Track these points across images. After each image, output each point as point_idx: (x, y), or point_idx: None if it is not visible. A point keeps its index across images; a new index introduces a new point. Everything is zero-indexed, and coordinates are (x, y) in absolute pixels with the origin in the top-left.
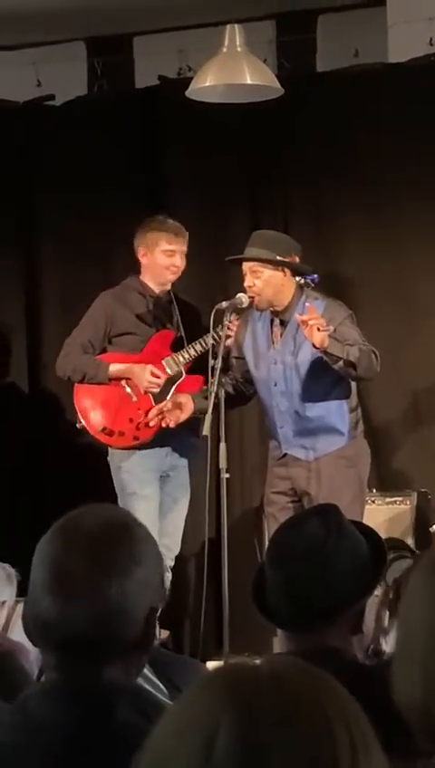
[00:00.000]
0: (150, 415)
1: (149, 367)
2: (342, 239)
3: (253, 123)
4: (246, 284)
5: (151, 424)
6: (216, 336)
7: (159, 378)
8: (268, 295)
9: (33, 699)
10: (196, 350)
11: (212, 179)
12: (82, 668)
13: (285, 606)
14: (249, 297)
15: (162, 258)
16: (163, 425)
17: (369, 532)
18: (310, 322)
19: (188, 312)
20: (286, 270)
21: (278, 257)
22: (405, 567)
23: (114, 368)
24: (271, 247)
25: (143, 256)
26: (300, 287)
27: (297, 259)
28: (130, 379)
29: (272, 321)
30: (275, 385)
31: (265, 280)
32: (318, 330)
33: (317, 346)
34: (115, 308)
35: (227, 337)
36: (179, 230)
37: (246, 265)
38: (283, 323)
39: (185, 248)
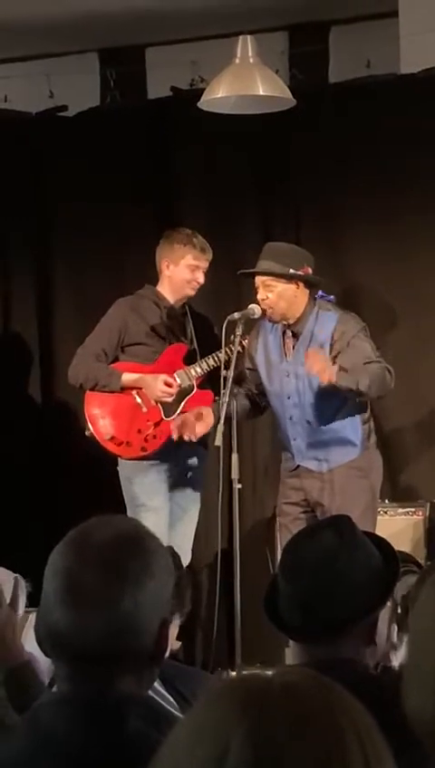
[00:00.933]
0: (172, 426)
1: (163, 376)
2: (353, 251)
3: (265, 135)
4: (259, 297)
5: (174, 437)
6: (228, 350)
7: (171, 387)
8: (282, 308)
9: (45, 710)
10: (208, 365)
11: (224, 191)
12: (94, 680)
13: (297, 617)
14: (262, 309)
15: (186, 273)
16: (186, 438)
17: (382, 544)
18: (314, 371)
19: (203, 326)
20: (299, 283)
21: (291, 270)
22: (412, 582)
23: (127, 377)
24: (283, 260)
25: (167, 267)
26: (314, 298)
27: (310, 270)
28: (141, 389)
29: (284, 332)
30: (289, 398)
31: (277, 293)
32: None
33: (326, 383)
34: (130, 317)
35: (241, 348)
36: (206, 247)
37: (258, 279)
38: (295, 335)
39: (207, 265)
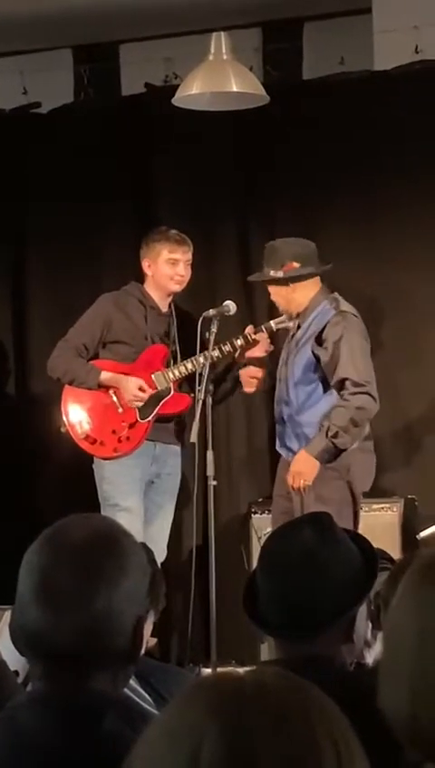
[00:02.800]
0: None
1: (138, 380)
2: (329, 248)
3: (239, 131)
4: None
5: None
6: (207, 354)
7: (144, 393)
8: (285, 307)
9: (20, 709)
10: (187, 369)
11: (199, 187)
12: (69, 679)
13: (277, 615)
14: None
15: (166, 268)
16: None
17: (360, 540)
18: (294, 487)
19: (187, 327)
20: (289, 282)
21: (272, 272)
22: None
23: (105, 375)
24: (268, 263)
25: (148, 267)
26: (323, 289)
27: (296, 264)
28: (118, 389)
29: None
30: (279, 381)
31: (274, 294)
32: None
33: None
34: (114, 314)
35: (246, 348)
36: (182, 239)
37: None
38: (298, 327)
39: (189, 257)
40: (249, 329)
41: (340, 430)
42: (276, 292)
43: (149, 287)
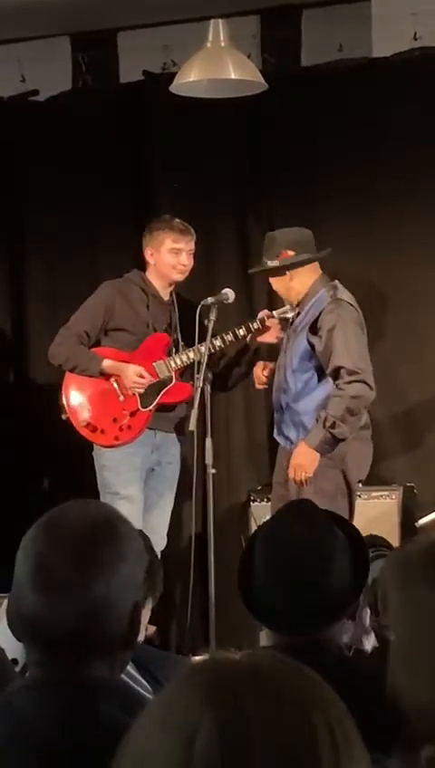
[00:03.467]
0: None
1: (138, 368)
2: (327, 237)
3: (237, 119)
4: None
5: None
6: (212, 345)
7: (144, 380)
8: (285, 295)
9: (17, 695)
10: (188, 357)
11: (198, 175)
12: (67, 664)
13: (281, 610)
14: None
15: (169, 257)
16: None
17: (344, 524)
18: (296, 480)
19: (188, 316)
20: (285, 271)
21: (268, 262)
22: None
23: (107, 363)
24: (265, 253)
25: (151, 256)
26: (322, 277)
27: (290, 253)
28: (119, 377)
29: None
30: (278, 370)
31: (275, 284)
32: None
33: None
34: (116, 301)
35: (257, 333)
36: (185, 228)
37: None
38: (298, 315)
39: (192, 247)
40: (264, 313)
41: (337, 420)
42: (276, 283)
43: (151, 275)
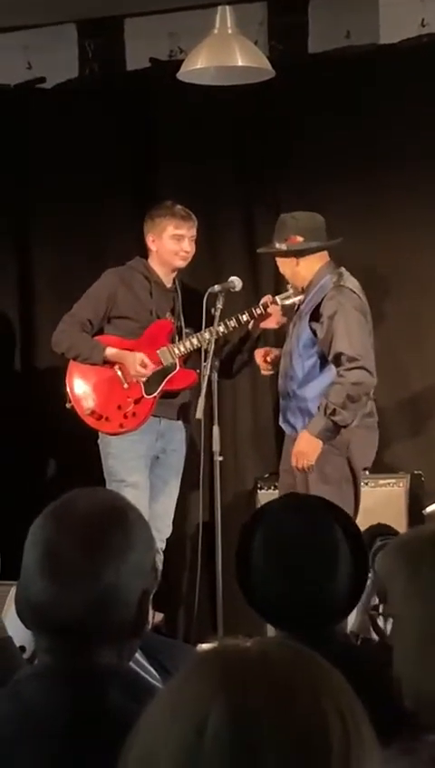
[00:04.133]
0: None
1: (141, 356)
2: (336, 225)
3: (244, 106)
4: None
5: (265, 372)
6: (212, 330)
7: (146, 368)
8: (291, 280)
9: (26, 683)
10: (192, 344)
11: (204, 163)
12: (75, 652)
13: (282, 611)
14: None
15: (171, 244)
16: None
17: (345, 521)
18: (298, 468)
19: (192, 303)
20: (292, 256)
21: (277, 245)
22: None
23: (110, 351)
24: (276, 236)
25: (152, 243)
26: (329, 264)
27: (299, 239)
28: (123, 365)
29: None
30: (284, 357)
31: (281, 267)
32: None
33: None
34: (119, 289)
35: (260, 319)
36: (187, 215)
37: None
38: (303, 301)
39: (194, 233)
40: (267, 298)
41: (337, 407)
42: (283, 265)
43: (153, 262)
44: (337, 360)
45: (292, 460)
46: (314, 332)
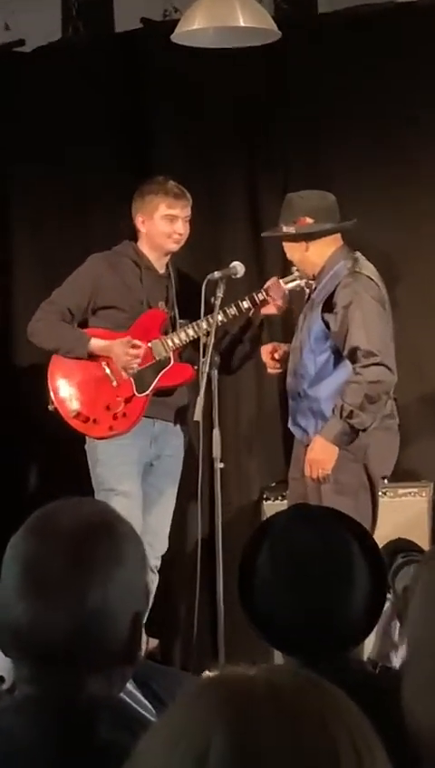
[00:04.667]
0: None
1: (126, 338)
2: (348, 202)
3: (247, 71)
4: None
5: (272, 371)
6: (210, 319)
7: (137, 349)
8: (300, 266)
9: (6, 716)
10: (187, 335)
11: (203, 134)
12: (61, 681)
13: (292, 637)
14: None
15: (163, 225)
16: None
17: (362, 536)
18: (313, 477)
19: (187, 290)
20: (300, 238)
21: (284, 228)
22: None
23: (96, 343)
24: (282, 217)
25: (142, 224)
26: (343, 248)
27: (309, 220)
28: (110, 360)
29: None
30: (293, 353)
31: (289, 251)
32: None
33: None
34: (105, 276)
35: (262, 305)
36: (181, 192)
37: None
38: (315, 290)
39: (188, 213)
40: (272, 281)
41: (355, 409)
42: (290, 250)
43: (143, 246)
44: (353, 356)
45: (305, 469)
46: (327, 324)
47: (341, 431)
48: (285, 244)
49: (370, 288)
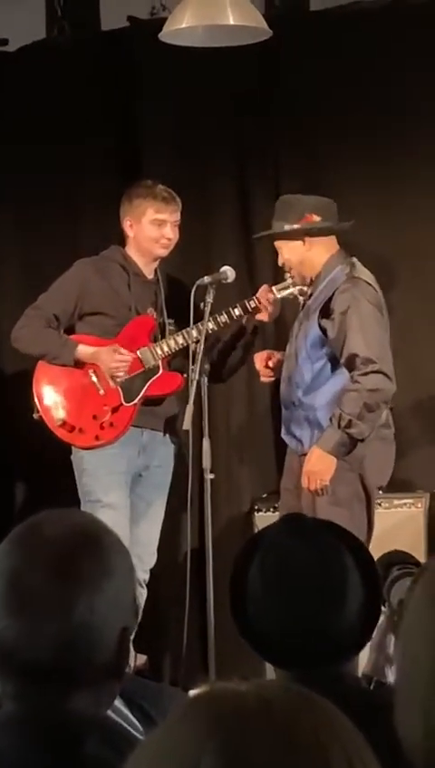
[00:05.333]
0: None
1: (112, 345)
2: (341, 203)
3: (237, 71)
4: (281, 264)
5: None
6: (200, 326)
7: (123, 356)
8: (299, 268)
9: None
10: (177, 343)
11: (192, 134)
12: (46, 698)
13: (285, 651)
14: (290, 277)
15: (151, 230)
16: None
17: (356, 548)
18: (311, 489)
19: (176, 297)
20: (305, 237)
21: (286, 226)
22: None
23: (82, 350)
24: (282, 216)
25: (130, 228)
26: (339, 252)
27: (316, 218)
28: (97, 367)
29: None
30: (287, 360)
31: (287, 253)
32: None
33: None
34: (92, 281)
35: (254, 312)
36: (170, 196)
37: (275, 244)
38: (310, 296)
39: (177, 217)
40: (264, 288)
41: (353, 418)
42: (291, 250)
43: (131, 250)
44: (351, 363)
45: (302, 480)
46: (325, 331)
47: (338, 442)
48: (283, 245)
49: (368, 293)
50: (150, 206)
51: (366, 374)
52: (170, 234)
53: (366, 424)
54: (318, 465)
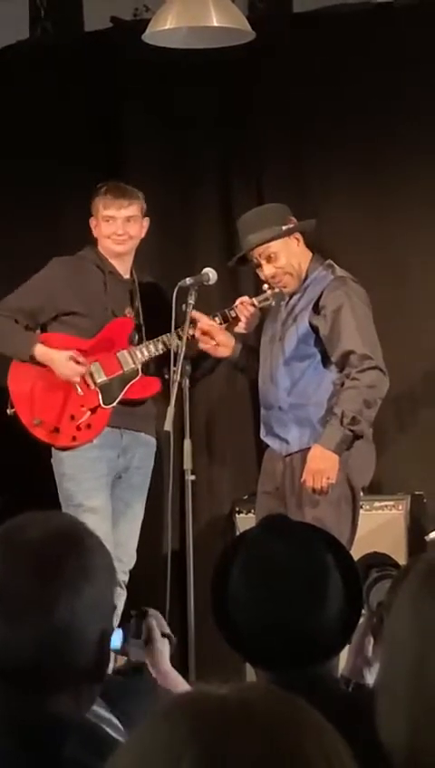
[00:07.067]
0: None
1: (69, 352)
2: (323, 206)
3: (220, 73)
4: (267, 275)
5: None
6: (180, 332)
7: (78, 368)
8: (297, 270)
9: None
10: (157, 348)
11: (175, 135)
12: (25, 700)
13: (273, 647)
14: (281, 287)
15: (104, 226)
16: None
17: (337, 549)
18: (316, 488)
19: (152, 297)
20: (295, 237)
21: (283, 227)
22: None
23: (40, 349)
24: (269, 223)
25: (95, 228)
26: (317, 256)
27: (294, 219)
28: (51, 368)
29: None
30: (266, 360)
31: (286, 255)
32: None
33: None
34: (67, 279)
35: (235, 322)
36: (119, 191)
37: (258, 256)
38: (292, 298)
39: (132, 212)
40: (243, 299)
41: (357, 415)
42: (290, 253)
43: (102, 250)
44: (345, 360)
45: (306, 480)
46: (315, 328)
47: (341, 439)
48: (281, 249)
49: (358, 291)
50: (100, 203)
51: (364, 370)
52: (121, 229)
53: (366, 421)
54: (323, 464)
